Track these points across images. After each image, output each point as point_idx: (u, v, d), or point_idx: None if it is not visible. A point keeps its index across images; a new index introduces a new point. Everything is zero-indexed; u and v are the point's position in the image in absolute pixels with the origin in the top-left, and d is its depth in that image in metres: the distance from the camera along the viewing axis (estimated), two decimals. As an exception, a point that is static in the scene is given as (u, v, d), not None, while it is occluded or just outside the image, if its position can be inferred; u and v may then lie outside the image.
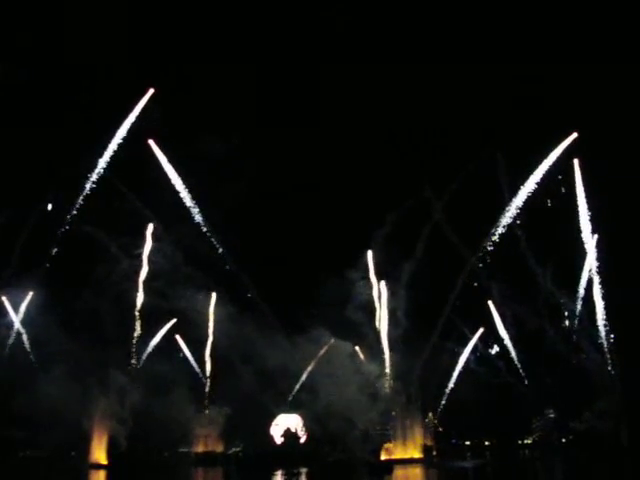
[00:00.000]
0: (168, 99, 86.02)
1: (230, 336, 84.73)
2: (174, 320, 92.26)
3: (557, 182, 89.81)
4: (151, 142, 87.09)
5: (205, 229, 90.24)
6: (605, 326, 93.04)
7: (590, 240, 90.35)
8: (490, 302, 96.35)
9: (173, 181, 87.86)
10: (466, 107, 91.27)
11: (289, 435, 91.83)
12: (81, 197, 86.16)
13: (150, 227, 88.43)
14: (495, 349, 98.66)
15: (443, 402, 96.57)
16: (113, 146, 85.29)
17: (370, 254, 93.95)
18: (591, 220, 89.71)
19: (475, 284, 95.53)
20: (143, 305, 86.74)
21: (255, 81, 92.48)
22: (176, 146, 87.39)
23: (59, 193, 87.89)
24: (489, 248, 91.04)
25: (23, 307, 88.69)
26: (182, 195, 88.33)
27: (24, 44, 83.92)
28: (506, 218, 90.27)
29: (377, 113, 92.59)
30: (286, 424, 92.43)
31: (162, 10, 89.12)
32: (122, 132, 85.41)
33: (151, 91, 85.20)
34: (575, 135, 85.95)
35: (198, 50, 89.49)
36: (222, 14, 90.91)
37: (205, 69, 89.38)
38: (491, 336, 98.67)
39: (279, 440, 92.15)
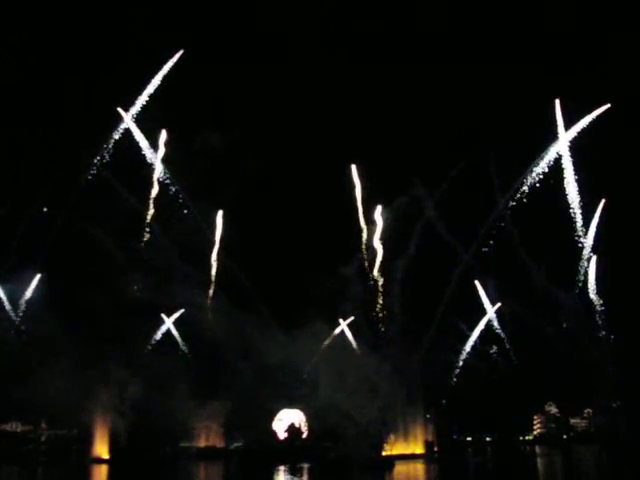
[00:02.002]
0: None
1: (229, 331, 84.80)
2: (177, 314, 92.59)
3: (550, 187, 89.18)
4: (121, 111, 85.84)
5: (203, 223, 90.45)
6: (604, 322, 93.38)
7: (580, 219, 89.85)
8: (476, 281, 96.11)
9: (149, 158, 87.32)
10: (458, 105, 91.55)
11: (293, 430, 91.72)
12: (80, 193, 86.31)
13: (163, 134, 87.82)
14: (494, 348, 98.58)
15: (444, 398, 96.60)
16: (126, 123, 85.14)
17: (354, 168, 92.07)
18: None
19: (474, 280, 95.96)
20: (144, 300, 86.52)
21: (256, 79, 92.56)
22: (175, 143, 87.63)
23: (57, 189, 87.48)
24: (484, 249, 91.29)
25: (23, 301, 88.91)
26: (158, 171, 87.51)
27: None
28: (499, 213, 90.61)
29: (370, 113, 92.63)
30: (289, 419, 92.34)
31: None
32: (150, 90, 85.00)
33: (180, 52, 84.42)
34: (607, 106, 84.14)
35: (196, 48, 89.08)
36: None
37: (204, 67, 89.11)
38: (492, 334, 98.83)
39: (282, 435, 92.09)
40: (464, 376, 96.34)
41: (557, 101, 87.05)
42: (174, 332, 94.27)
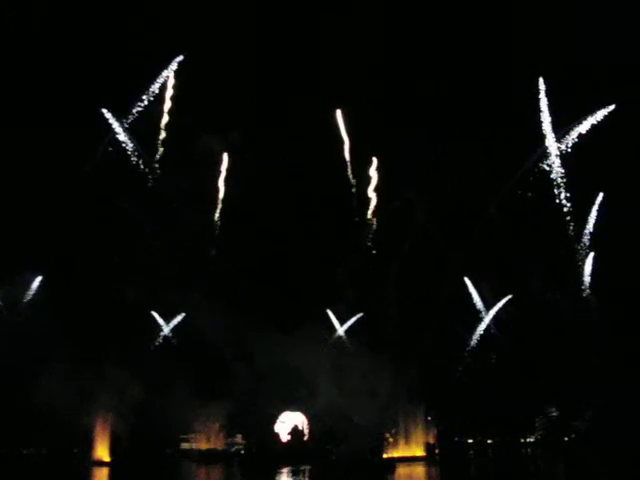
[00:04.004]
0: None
1: (228, 332, 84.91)
2: (177, 319, 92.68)
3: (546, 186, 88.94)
4: (110, 116, 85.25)
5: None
6: (603, 322, 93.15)
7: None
8: (466, 278, 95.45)
9: (132, 156, 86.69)
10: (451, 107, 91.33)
11: (296, 433, 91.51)
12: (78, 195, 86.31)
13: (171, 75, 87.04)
14: (494, 356, 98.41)
15: (445, 400, 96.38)
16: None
17: (339, 113, 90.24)
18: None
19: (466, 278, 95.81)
20: (142, 302, 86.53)
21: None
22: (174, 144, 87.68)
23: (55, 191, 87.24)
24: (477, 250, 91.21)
25: (22, 303, 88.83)
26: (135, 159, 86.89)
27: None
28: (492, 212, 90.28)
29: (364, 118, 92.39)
30: (292, 422, 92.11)
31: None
32: (153, 92, 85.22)
33: (180, 57, 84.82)
34: (613, 106, 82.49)
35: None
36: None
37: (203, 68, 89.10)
38: (491, 336, 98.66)
39: (285, 438, 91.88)
40: (465, 378, 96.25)
41: (541, 79, 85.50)
42: (172, 335, 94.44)
